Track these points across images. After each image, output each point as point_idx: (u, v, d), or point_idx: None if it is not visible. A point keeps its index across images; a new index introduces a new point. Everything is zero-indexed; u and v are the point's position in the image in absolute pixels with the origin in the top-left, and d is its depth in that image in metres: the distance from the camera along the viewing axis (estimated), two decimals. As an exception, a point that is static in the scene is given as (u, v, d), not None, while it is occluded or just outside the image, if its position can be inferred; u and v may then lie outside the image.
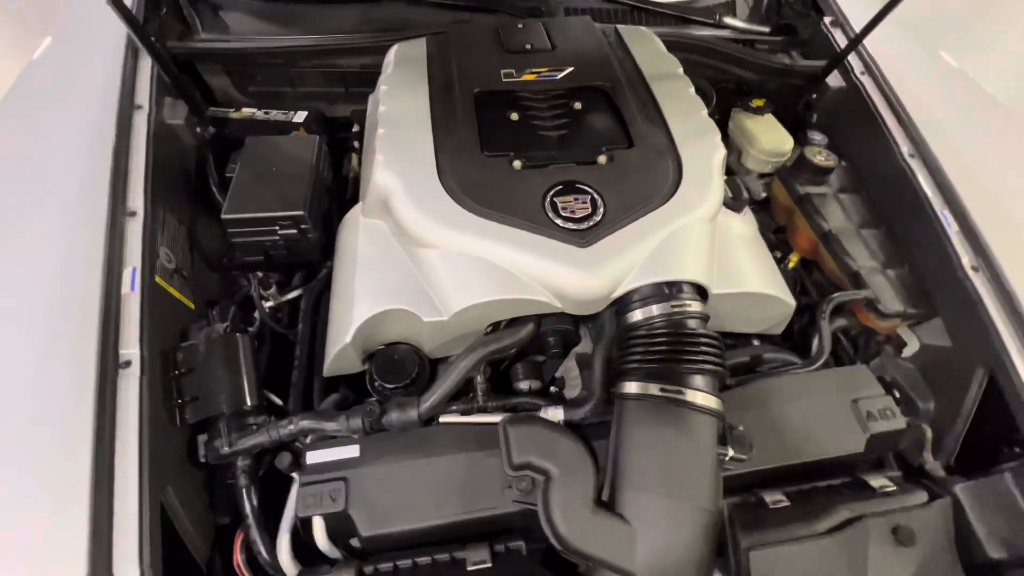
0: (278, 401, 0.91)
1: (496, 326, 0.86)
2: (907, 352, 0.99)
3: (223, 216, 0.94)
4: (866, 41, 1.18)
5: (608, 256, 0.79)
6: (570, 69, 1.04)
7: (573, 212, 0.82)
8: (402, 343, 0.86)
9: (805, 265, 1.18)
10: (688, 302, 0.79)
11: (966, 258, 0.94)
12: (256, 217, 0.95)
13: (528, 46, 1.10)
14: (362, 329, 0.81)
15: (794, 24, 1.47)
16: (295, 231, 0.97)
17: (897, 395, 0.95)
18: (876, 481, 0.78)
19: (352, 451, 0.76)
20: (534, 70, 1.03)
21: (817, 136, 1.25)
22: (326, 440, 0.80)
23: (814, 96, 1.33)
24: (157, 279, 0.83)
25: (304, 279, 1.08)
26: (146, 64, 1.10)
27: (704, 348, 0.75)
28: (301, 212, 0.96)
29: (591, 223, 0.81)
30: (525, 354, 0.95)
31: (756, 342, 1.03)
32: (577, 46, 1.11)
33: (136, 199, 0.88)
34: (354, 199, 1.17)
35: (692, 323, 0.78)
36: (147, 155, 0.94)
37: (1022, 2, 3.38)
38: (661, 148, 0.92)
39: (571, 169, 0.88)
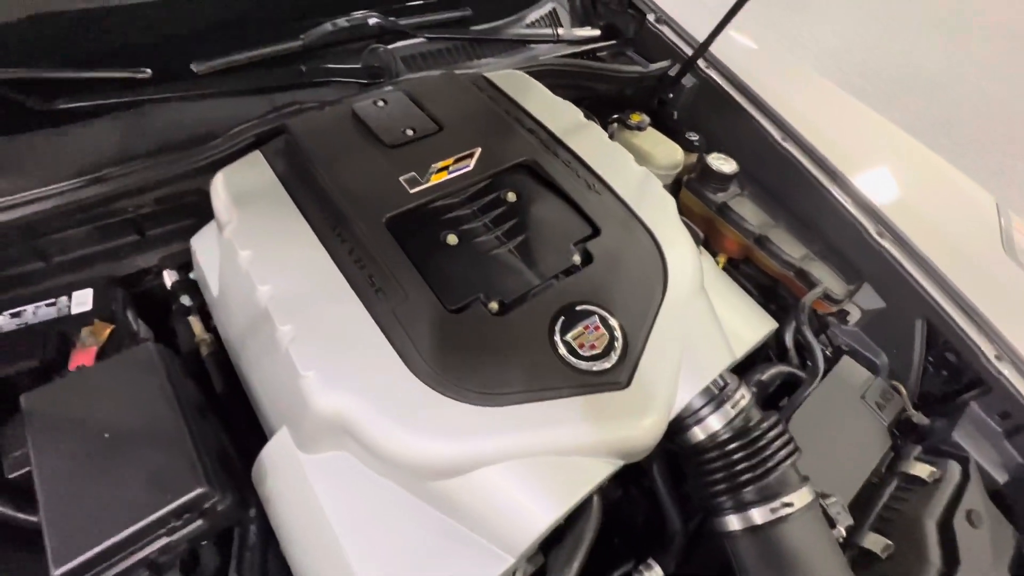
0: None
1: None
2: (851, 320, 1.09)
3: (55, 573, 0.54)
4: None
5: (652, 384, 0.66)
6: (479, 151, 0.84)
7: (593, 346, 0.66)
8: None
9: (729, 261, 1.22)
10: (737, 396, 0.71)
11: (871, 226, 1.05)
12: (120, 540, 0.57)
13: (410, 131, 0.86)
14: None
15: (615, 23, 1.48)
16: (200, 520, 0.62)
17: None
18: (919, 470, 0.83)
19: None
20: (439, 165, 0.81)
21: (694, 137, 1.28)
22: None
23: (670, 96, 1.36)
24: None
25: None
26: None
27: (778, 441, 0.69)
28: (202, 489, 0.60)
29: (617, 352, 0.67)
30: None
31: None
32: (465, 117, 0.90)
33: None
34: (231, 394, 0.83)
35: (753, 416, 0.71)
36: None
37: None
38: (626, 222, 0.80)
39: (555, 289, 0.71)
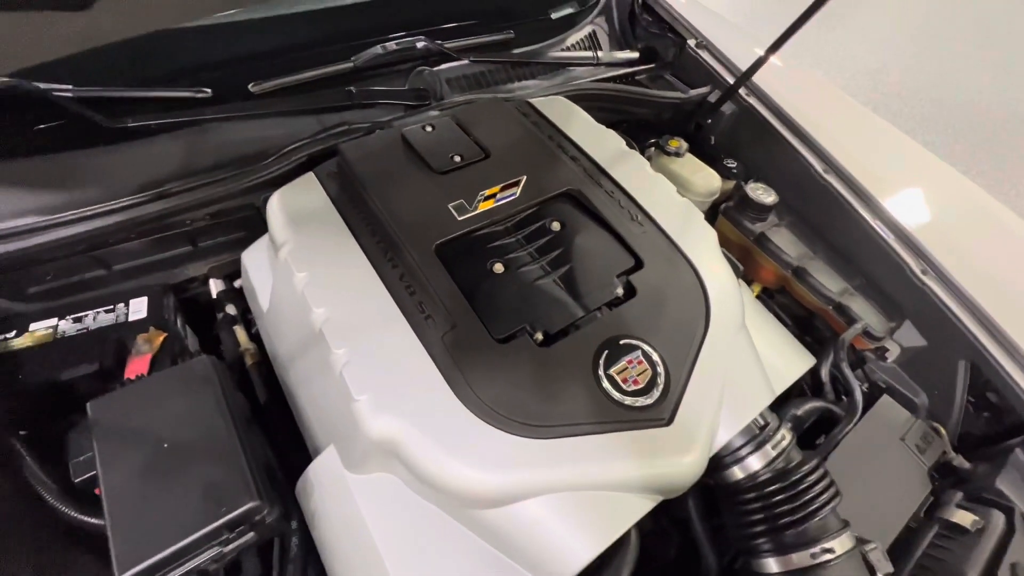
0: None
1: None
2: (890, 357, 1.07)
3: (121, 576, 0.57)
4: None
5: (694, 421, 0.67)
6: (524, 179, 0.86)
7: (636, 381, 0.67)
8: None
9: (764, 290, 1.21)
10: (778, 436, 0.72)
11: (914, 263, 1.03)
12: (179, 549, 0.60)
13: (457, 158, 0.88)
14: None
15: (654, 47, 1.49)
16: (251, 532, 0.64)
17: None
18: (961, 518, 0.81)
19: None
20: (487, 193, 0.83)
21: (732, 164, 1.28)
22: None
23: (708, 121, 1.36)
24: None
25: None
26: None
27: (819, 485, 0.69)
28: (254, 503, 0.63)
29: (659, 388, 0.67)
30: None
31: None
32: (511, 144, 0.92)
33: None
34: (274, 404, 0.86)
35: (794, 458, 0.71)
36: None
37: None
38: (669, 255, 0.81)
39: (599, 322, 0.72)
